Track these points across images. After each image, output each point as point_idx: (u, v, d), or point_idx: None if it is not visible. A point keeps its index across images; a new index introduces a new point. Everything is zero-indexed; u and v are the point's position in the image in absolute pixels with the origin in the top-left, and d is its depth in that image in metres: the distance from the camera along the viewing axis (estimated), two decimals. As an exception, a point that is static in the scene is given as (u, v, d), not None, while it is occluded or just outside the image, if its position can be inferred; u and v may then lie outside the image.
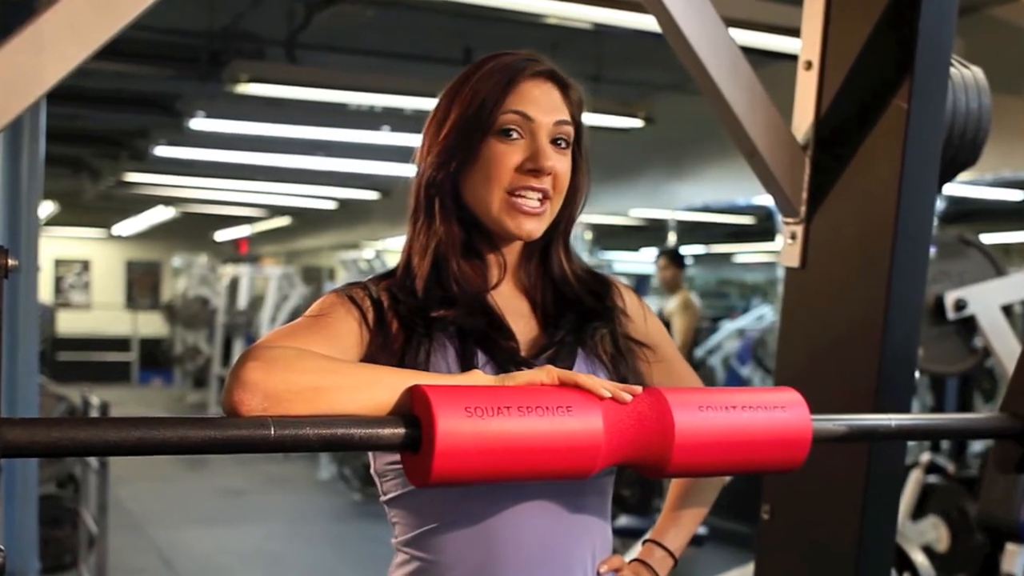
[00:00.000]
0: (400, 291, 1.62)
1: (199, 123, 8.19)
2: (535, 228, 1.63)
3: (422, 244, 1.66)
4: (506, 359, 1.57)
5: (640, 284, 13.65)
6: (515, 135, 1.61)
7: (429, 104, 1.70)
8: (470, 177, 1.63)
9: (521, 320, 1.67)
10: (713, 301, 17.46)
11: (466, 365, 1.54)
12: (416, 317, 1.59)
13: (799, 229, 2.21)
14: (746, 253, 17.52)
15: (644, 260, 16.47)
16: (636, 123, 7.69)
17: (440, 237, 1.65)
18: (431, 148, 1.66)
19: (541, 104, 1.62)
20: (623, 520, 5.99)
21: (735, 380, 9.74)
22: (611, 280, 1.79)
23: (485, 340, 1.59)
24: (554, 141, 1.63)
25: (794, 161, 2.17)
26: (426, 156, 1.67)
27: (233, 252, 21.87)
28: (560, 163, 1.63)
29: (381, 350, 1.56)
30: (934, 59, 2.08)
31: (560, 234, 1.72)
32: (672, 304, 7.80)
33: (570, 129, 1.65)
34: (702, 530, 5.11)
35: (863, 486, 2.07)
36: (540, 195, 1.61)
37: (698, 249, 17.26)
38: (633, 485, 6.89)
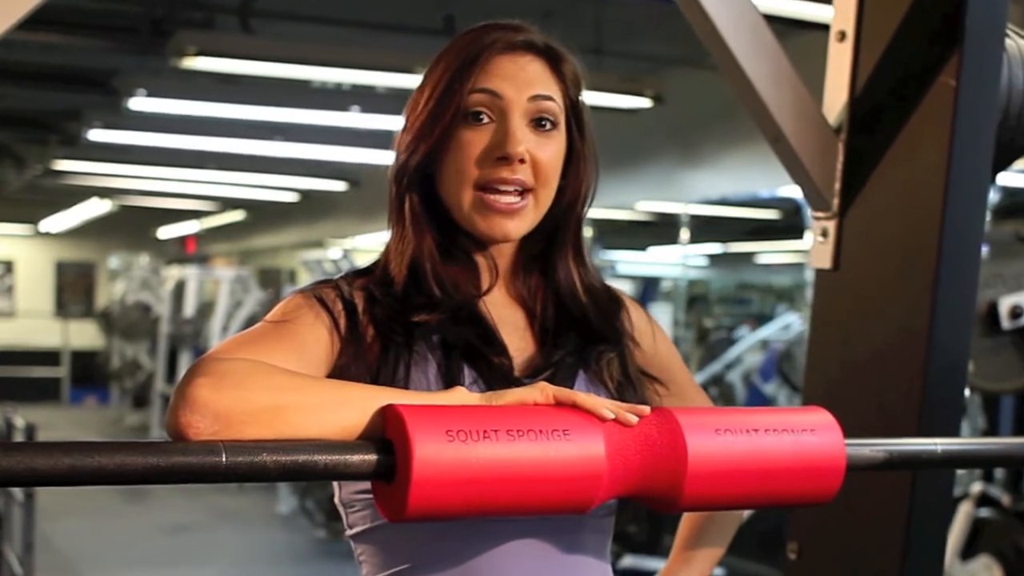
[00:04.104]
0: (378, 289, 1.62)
1: (139, 103, 8.16)
2: (513, 228, 1.61)
3: (397, 250, 1.66)
4: (497, 377, 1.56)
5: (648, 288, 13.67)
6: (485, 119, 1.60)
7: (404, 81, 1.70)
8: (442, 170, 1.62)
9: (515, 334, 1.66)
10: (732, 308, 17.48)
11: (450, 382, 1.54)
12: (394, 323, 1.58)
13: (831, 225, 2.21)
14: (770, 253, 17.53)
15: (653, 261, 16.48)
16: (643, 103, 7.69)
17: (412, 242, 1.64)
18: (403, 136, 1.66)
19: (514, 79, 1.61)
20: (628, 560, 6.00)
21: (757, 398, 9.77)
22: (620, 296, 1.79)
23: (473, 354, 1.59)
24: (536, 122, 1.61)
25: (825, 147, 2.17)
26: (399, 145, 1.67)
27: (179, 251, 21.85)
28: (541, 148, 1.61)
29: (354, 361, 1.55)
30: (986, 29, 2.08)
31: (565, 235, 1.70)
32: None
33: (553, 106, 1.63)
34: (719, 572, 5.12)
35: (905, 521, 2.07)
36: (517, 187, 1.60)
37: (715, 248, 17.28)
38: (640, 520, 6.89)
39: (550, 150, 1.62)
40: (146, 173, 13.77)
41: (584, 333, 1.68)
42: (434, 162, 1.62)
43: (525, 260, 1.71)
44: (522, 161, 1.59)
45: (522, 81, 1.61)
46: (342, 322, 1.56)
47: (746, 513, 1.85)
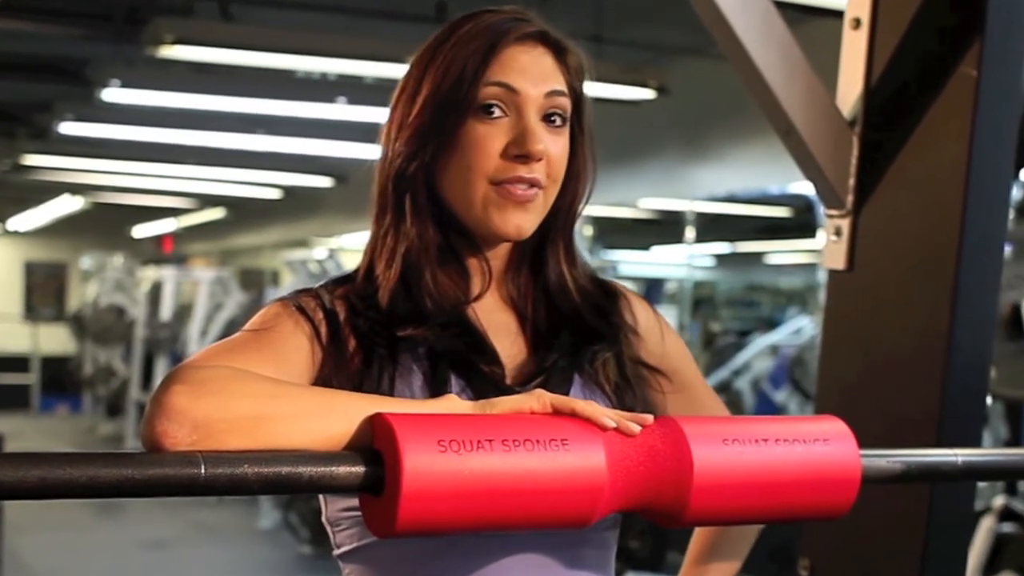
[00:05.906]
0: (360, 300, 1.61)
1: (114, 94, 8.16)
2: (525, 223, 1.61)
3: (389, 248, 1.65)
4: (487, 387, 1.56)
5: (651, 290, 13.68)
6: (497, 112, 1.59)
7: (394, 71, 1.69)
8: (447, 167, 1.62)
9: (507, 339, 1.66)
10: (740, 311, 17.49)
11: (436, 393, 1.53)
12: (378, 335, 1.58)
13: (845, 223, 2.21)
14: (780, 253, 17.56)
15: (657, 261, 16.49)
16: (646, 94, 7.69)
17: (411, 241, 1.63)
18: (400, 131, 1.64)
19: (529, 73, 1.61)
20: (631, 578, 6.00)
21: (767, 407, 9.78)
22: (619, 290, 1.78)
23: (462, 363, 1.58)
24: (547, 117, 1.61)
25: (839, 140, 2.17)
26: (394, 140, 1.65)
27: (155, 251, 21.83)
28: (554, 145, 1.61)
29: (336, 372, 1.55)
30: (1009, 16, 2.08)
31: (558, 233, 1.70)
32: None
33: (565, 101, 1.63)
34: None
35: (923, 536, 2.07)
36: (529, 184, 1.60)
37: (722, 248, 17.29)
38: (643, 536, 6.89)
39: (560, 146, 1.63)
40: (120, 168, 13.75)
41: (577, 331, 1.68)
42: (438, 158, 1.62)
43: (516, 260, 1.70)
44: (538, 159, 1.59)
45: (538, 75, 1.61)
46: (323, 331, 1.56)
47: (761, 527, 1.84)
